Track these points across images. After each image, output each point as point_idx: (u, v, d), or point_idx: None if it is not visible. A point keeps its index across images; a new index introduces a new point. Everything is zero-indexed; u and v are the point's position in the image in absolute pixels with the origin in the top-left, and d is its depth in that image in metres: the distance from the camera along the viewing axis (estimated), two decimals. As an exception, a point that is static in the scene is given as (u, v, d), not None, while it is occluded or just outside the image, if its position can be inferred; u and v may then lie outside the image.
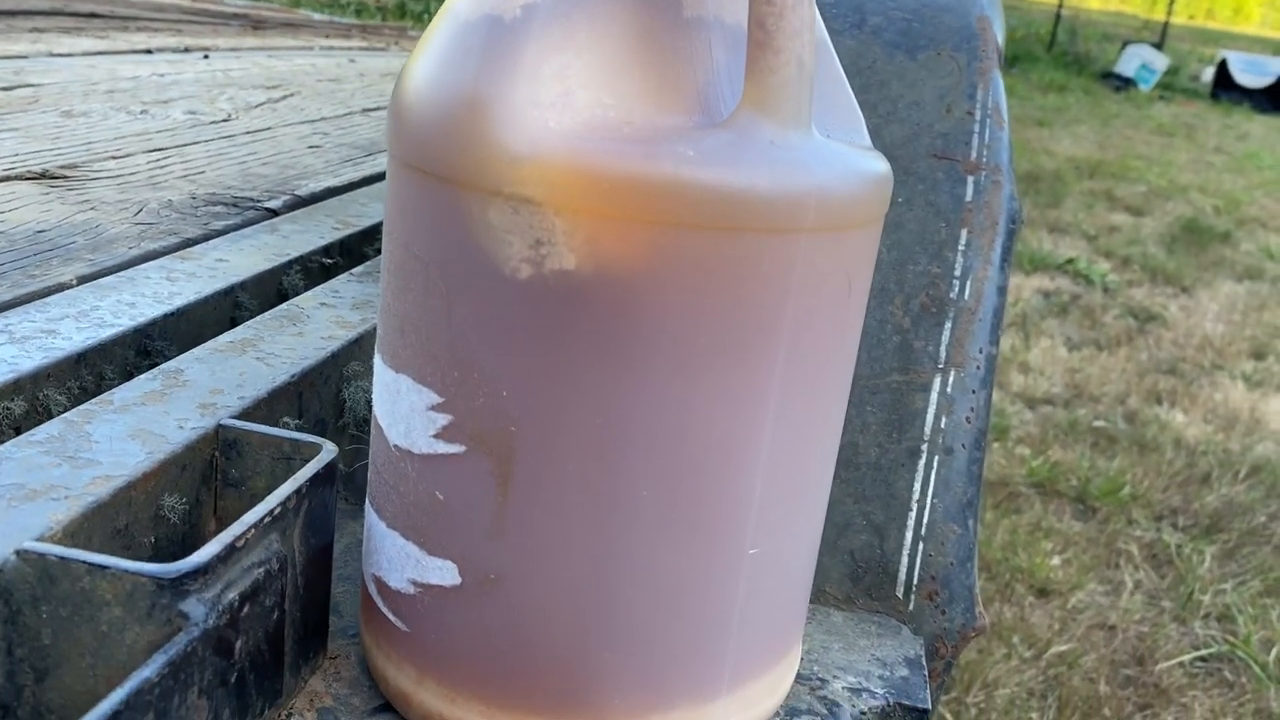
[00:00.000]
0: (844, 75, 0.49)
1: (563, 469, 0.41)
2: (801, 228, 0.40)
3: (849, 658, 0.58)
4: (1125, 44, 11.44)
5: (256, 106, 1.41)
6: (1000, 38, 0.83)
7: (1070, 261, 4.18)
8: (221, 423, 0.51)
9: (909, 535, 0.63)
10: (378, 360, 0.47)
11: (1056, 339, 3.40)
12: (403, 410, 0.45)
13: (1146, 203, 5.47)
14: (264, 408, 0.56)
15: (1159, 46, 11.82)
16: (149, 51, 1.78)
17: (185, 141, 1.13)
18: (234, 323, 0.71)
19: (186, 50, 1.87)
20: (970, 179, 0.71)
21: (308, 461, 0.50)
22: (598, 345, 0.40)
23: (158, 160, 1.03)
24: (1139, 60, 10.51)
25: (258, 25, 2.78)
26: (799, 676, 0.56)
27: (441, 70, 0.41)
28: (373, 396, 0.48)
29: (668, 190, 0.38)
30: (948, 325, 0.67)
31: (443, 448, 0.43)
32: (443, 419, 0.43)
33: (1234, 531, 2.33)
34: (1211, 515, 2.39)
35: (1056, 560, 2.16)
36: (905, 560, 0.63)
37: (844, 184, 0.42)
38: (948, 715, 1.70)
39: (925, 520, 0.63)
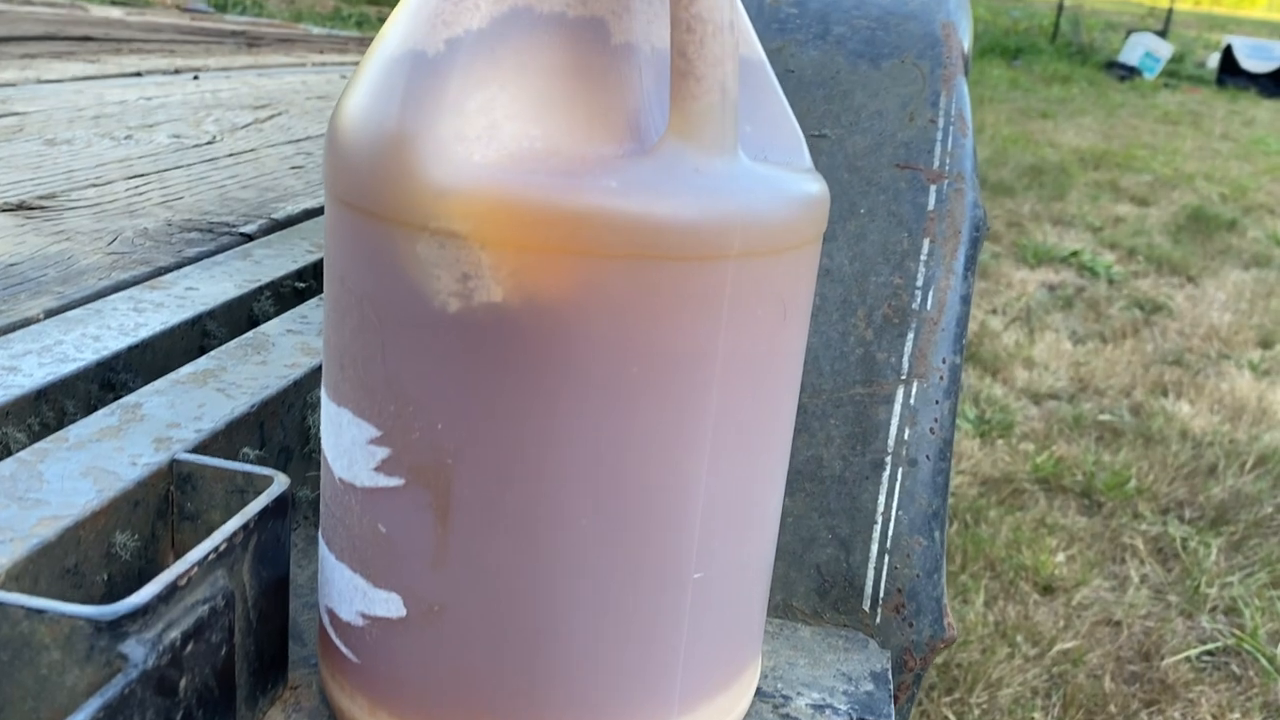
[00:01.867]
0: (781, 92, 0.49)
1: (500, 500, 0.42)
2: (728, 254, 0.40)
3: (814, 673, 0.58)
4: (1129, 32, 11.39)
5: (242, 128, 1.42)
6: (966, 42, 0.83)
7: (1075, 254, 4.16)
8: (175, 458, 0.51)
9: (874, 548, 0.63)
10: (323, 394, 0.47)
11: (1061, 332, 3.39)
12: (345, 444, 0.45)
13: (1152, 192, 5.45)
14: (222, 440, 0.56)
15: (1163, 34, 11.76)
16: (138, 74, 1.79)
17: (167, 166, 1.14)
18: (202, 351, 0.71)
19: (177, 71, 1.88)
20: (933, 188, 0.71)
21: (261, 494, 0.50)
22: (529, 377, 0.40)
23: (137, 187, 1.03)
24: (1143, 48, 10.46)
25: (253, 43, 2.79)
26: (762, 693, 0.56)
27: (369, 105, 0.42)
28: (320, 430, 0.48)
29: (591, 221, 0.39)
30: (910, 336, 0.67)
31: (383, 481, 0.43)
32: (382, 452, 0.43)
33: (1240, 523, 2.31)
34: (1218, 507, 2.38)
35: (1061, 557, 2.15)
36: (871, 573, 0.63)
37: (772, 208, 0.42)
38: (950, 716, 1.69)
39: (890, 533, 0.63)
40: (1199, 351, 3.34)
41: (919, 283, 0.68)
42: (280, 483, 0.49)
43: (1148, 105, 8.70)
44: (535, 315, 0.40)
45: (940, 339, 0.66)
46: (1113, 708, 1.75)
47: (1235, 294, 3.94)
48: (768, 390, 0.45)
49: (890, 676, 0.59)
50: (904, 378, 0.66)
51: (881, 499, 0.63)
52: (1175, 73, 10.72)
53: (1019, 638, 1.89)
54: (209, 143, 1.29)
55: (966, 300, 0.69)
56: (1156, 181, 5.70)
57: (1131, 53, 10.49)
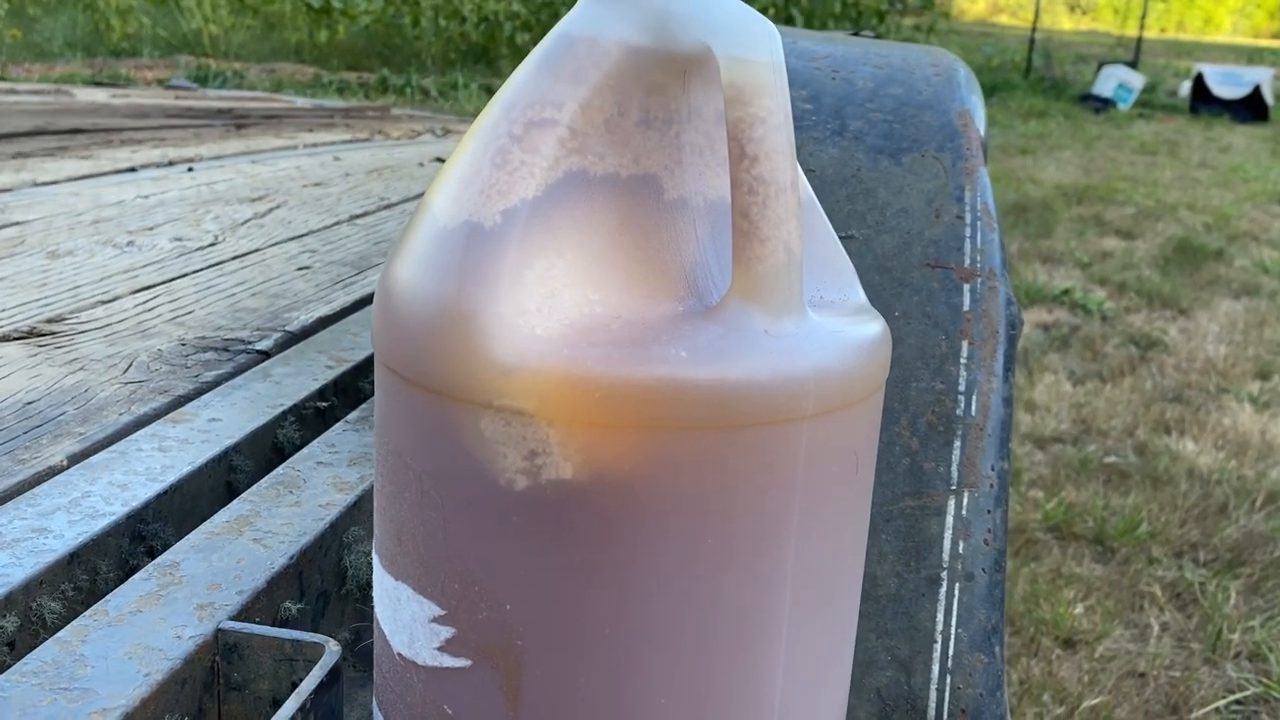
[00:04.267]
0: (829, 225, 0.48)
1: (574, 682, 0.40)
2: (803, 415, 0.39)
3: (884, 808, 0.56)
4: (1101, 65, 11.54)
5: (243, 224, 1.41)
6: (982, 129, 0.82)
7: (1066, 292, 4.18)
8: (221, 627, 0.49)
9: (935, 669, 0.61)
10: (376, 562, 0.46)
11: (1060, 374, 3.39)
12: (404, 619, 0.43)
13: (1136, 225, 5.49)
14: (264, 598, 0.54)
15: (1133, 64, 11.92)
16: (133, 169, 1.78)
17: (172, 275, 1.12)
18: (229, 488, 0.69)
19: (170, 163, 1.88)
20: (966, 287, 0.70)
21: (309, 661, 0.49)
22: (602, 554, 0.39)
23: (145, 302, 1.02)
24: (1116, 80, 10.59)
25: (240, 122, 2.80)
26: (834, 837, 0.54)
27: (423, 279, 0.40)
28: (374, 596, 0.47)
29: (662, 394, 0.37)
30: (957, 444, 0.65)
31: (448, 661, 0.42)
32: (446, 632, 0.41)
33: (1256, 564, 2.30)
34: (1232, 548, 2.36)
35: (1080, 608, 2.12)
36: (934, 695, 0.61)
37: (842, 363, 0.41)
38: (984, 784, 1.66)
39: (951, 652, 0.61)
40: (1198, 386, 3.34)
41: (961, 387, 0.67)
42: (332, 652, 0.47)
43: (1124, 136, 8.79)
44: (606, 491, 0.38)
45: (987, 445, 0.65)
46: (1146, 766, 1.72)
47: (1228, 325, 3.95)
48: (843, 542, 0.43)
49: (962, 806, 0.57)
50: (954, 488, 0.64)
51: (940, 616, 0.62)
52: (1148, 102, 10.85)
53: (1045, 696, 1.86)
54: (211, 245, 1.28)
55: (1009, 403, 0.68)
56: (1140, 213, 5.74)
57: (1104, 84, 10.62)
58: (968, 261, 0.72)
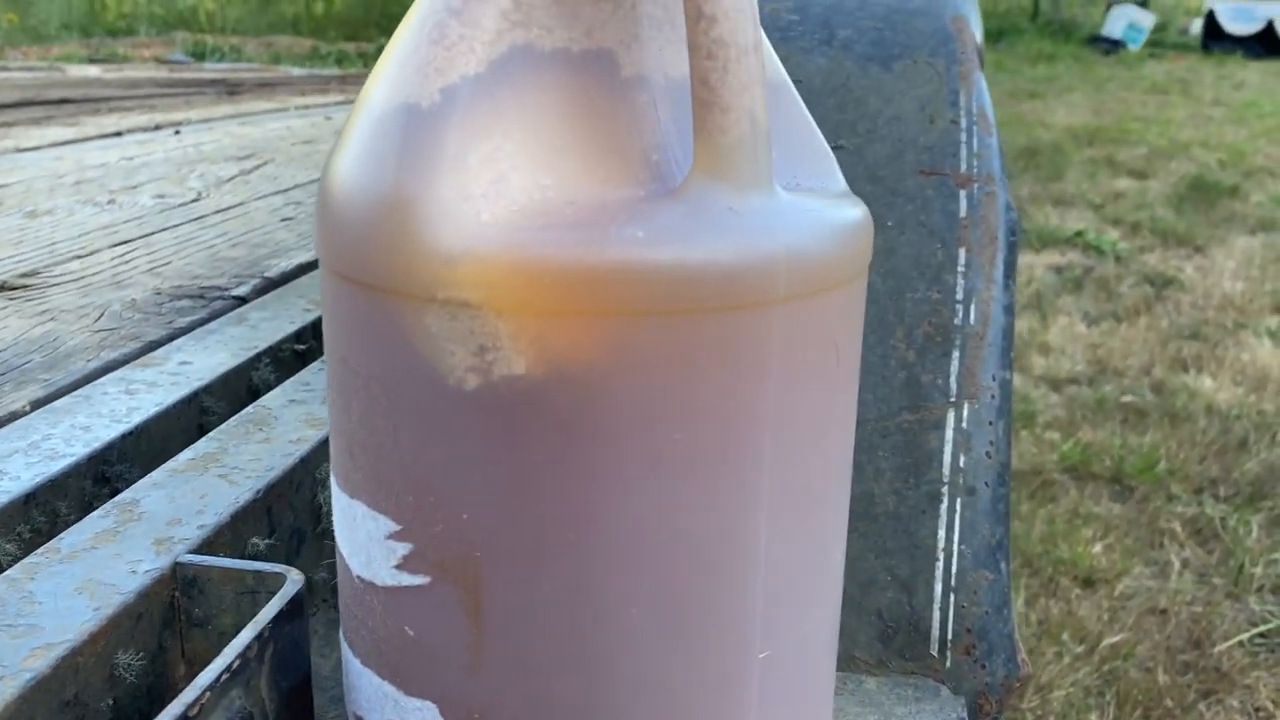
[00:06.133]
0: (806, 111, 0.45)
1: (538, 594, 0.37)
2: (773, 299, 0.36)
3: (887, 732, 0.54)
4: (1110, 4, 11.35)
5: (228, 181, 1.38)
6: (978, 35, 0.79)
7: (1079, 234, 4.11)
8: (178, 560, 0.47)
9: (938, 587, 0.58)
10: (333, 482, 0.43)
11: (1074, 315, 3.34)
12: (361, 538, 0.40)
13: (1149, 164, 5.40)
14: (228, 532, 0.52)
15: (1143, 3, 11.73)
16: (118, 134, 1.75)
17: (152, 229, 1.10)
18: (201, 430, 0.67)
19: (158, 127, 1.85)
20: (963, 193, 0.67)
21: (273, 593, 0.46)
22: (561, 455, 0.36)
23: (123, 255, 0.99)
24: (1125, 20, 10.41)
25: (233, 90, 2.76)
26: (834, 762, 0.51)
27: (359, 168, 0.37)
28: (332, 520, 0.44)
29: (618, 277, 0.34)
30: (955, 354, 0.62)
31: (406, 579, 0.39)
32: (403, 548, 0.39)
33: (1278, 497, 2.26)
34: (1253, 482, 2.32)
35: (1099, 547, 2.09)
36: (937, 614, 0.58)
37: (817, 242, 0.37)
38: (1004, 724, 1.64)
39: (954, 569, 0.59)
40: (1215, 323, 3.29)
41: (959, 296, 0.63)
42: (293, 581, 0.45)
43: (1135, 77, 8.65)
44: (563, 385, 0.35)
45: (988, 354, 0.62)
46: (1169, 701, 1.69)
47: (1245, 261, 3.88)
48: (824, 441, 0.40)
49: (969, 727, 0.55)
50: (953, 400, 0.61)
51: (941, 533, 0.59)
52: (1159, 42, 10.67)
53: (1065, 636, 1.83)
54: (194, 200, 1.25)
55: (1010, 310, 0.64)
56: (1153, 153, 5.66)
57: (1114, 25, 10.45)
58: (964, 167, 0.68)
